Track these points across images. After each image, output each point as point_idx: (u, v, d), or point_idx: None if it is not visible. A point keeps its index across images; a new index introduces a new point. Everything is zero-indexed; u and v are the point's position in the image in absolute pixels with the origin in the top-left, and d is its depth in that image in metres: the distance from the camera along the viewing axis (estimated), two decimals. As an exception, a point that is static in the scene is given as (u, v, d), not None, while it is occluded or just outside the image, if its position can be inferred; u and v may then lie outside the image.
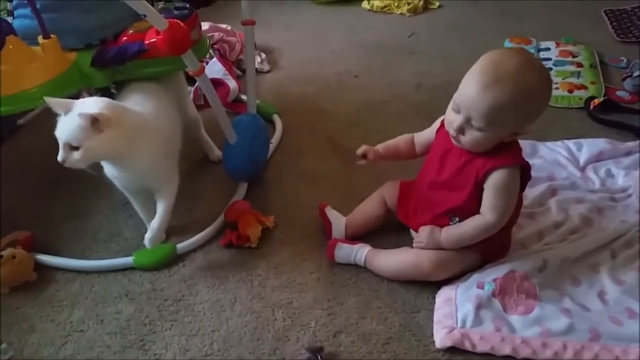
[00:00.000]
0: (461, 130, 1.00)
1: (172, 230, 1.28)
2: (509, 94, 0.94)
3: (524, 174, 1.04)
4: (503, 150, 1.02)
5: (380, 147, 1.22)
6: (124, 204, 1.37)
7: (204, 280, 1.17)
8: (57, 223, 1.32)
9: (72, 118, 1.03)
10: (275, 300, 1.12)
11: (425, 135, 1.18)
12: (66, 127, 1.04)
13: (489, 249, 1.11)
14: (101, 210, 1.36)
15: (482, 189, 1.04)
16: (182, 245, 1.23)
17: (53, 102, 1.05)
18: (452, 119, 1.02)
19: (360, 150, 1.21)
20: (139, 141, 1.11)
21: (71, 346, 1.05)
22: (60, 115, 1.05)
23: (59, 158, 1.05)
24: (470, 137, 1.00)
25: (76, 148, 1.04)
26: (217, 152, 1.49)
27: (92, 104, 1.06)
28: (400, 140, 1.22)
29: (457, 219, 1.08)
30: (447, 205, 1.08)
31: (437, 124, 1.14)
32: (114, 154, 1.10)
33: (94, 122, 1.02)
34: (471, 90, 0.96)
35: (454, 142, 1.04)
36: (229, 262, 1.21)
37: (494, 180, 1.02)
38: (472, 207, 1.06)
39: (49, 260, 1.21)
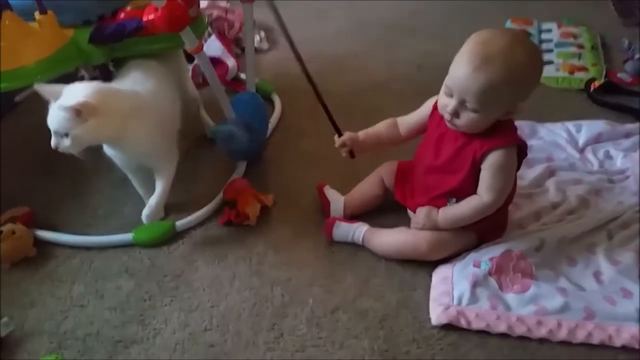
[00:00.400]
0: (456, 114, 1.00)
1: (171, 208, 1.29)
2: (500, 73, 0.94)
3: (521, 152, 1.05)
4: (499, 131, 1.02)
5: (360, 133, 1.21)
6: (123, 179, 1.37)
7: (203, 257, 1.18)
8: (57, 200, 1.33)
9: (57, 108, 1.03)
10: (274, 277, 1.13)
11: (413, 118, 1.17)
12: (53, 117, 1.05)
13: (485, 229, 1.12)
14: (101, 187, 1.36)
15: (479, 170, 1.04)
16: (181, 223, 1.23)
17: (43, 89, 1.05)
18: (445, 102, 1.01)
19: (338, 142, 1.20)
20: (133, 122, 1.11)
21: (71, 321, 1.06)
22: (51, 102, 1.05)
23: (52, 144, 1.07)
24: (465, 119, 1.00)
25: (66, 135, 1.04)
26: None
27: (78, 92, 1.05)
28: (382, 126, 1.21)
29: (454, 199, 1.09)
30: (445, 188, 1.09)
31: (426, 106, 1.14)
32: (104, 138, 1.11)
33: (77, 112, 1.02)
34: (462, 72, 0.96)
35: (449, 125, 1.03)
36: (227, 240, 1.22)
37: (492, 161, 1.02)
38: (469, 188, 1.06)
39: (48, 236, 1.21)
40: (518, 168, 1.07)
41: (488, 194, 1.04)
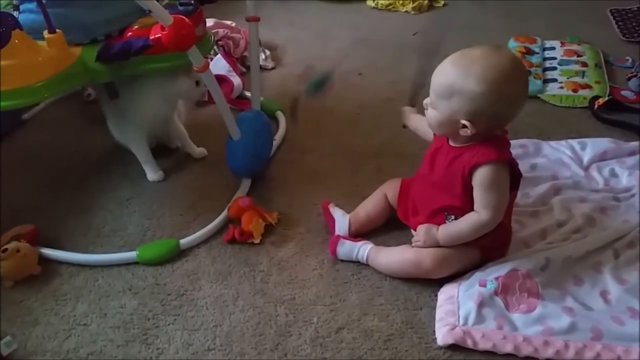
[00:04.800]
0: (426, 106, 1.07)
1: (176, 226, 1.29)
2: (454, 76, 0.98)
3: (513, 170, 1.05)
4: (487, 147, 1.02)
5: (412, 116, 1.27)
6: (127, 199, 1.38)
7: (207, 275, 1.17)
8: (62, 217, 1.33)
9: None
10: (278, 296, 1.12)
11: None
12: None
13: (488, 246, 1.11)
14: (105, 205, 1.36)
15: (472, 188, 1.04)
16: (185, 241, 1.23)
17: None
18: None
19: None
20: None
21: (74, 339, 1.06)
22: None
23: None
24: (427, 114, 1.06)
25: None
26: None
27: None
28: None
29: (452, 217, 1.09)
30: (440, 203, 1.09)
31: None
32: None
33: None
34: (436, 68, 1.03)
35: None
36: (232, 258, 1.21)
37: (480, 178, 1.02)
38: (466, 206, 1.06)
39: (53, 254, 1.21)
40: (516, 187, 1.08)
41: (485, 211, 1.04)
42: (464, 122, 1.00)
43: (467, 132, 1.01)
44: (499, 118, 1.02)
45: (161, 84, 1.34)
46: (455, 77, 0.99)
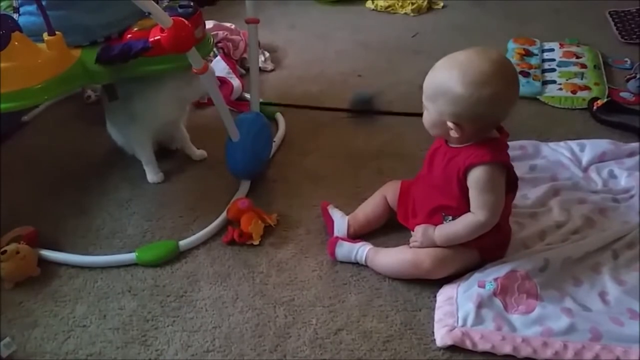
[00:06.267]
0: (423, 108, 1.07)
1: (175, 227, 1.29)
2: (438, 78, 1.01)
3: (509, 174, 1.05)
4: (483, 149, 1.03)
5: None
6: (127, 200, 1.38)
7: (206, 276, 1.17)
8: (61, 219, 1.33)
9: None
10: (277, 297, 1.12)
11: None
12: None
13: (486, 246, 1.11)
14: (105, 207, 1.37)
15: (467, 188, 1.04)
16: (184, 242, 1.23)
17: None
18: None
19: None
20: None
21: (74, 341, 1.06)
22: None
23: None
24: (423, 115, 1.07)
25: None
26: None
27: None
28: None
29: (450, 217, 1.09)
30: (439, 202, 1.10)
31: None
32: None
33: None
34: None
35: None
36: (231, 259, 1.21)
37: (475, 179, 1.03)
38: (462, 206, 1.07)
39: (52, 256, 1.21)
40: (513, 190, 1.08)
41: (481, 212, 1.04)
42: (449, 123, 1.01)
43: (454, 133, 1.01)
44: (485, 120, 1.02)
45: (178, 87, 1.33)
46: (439, 79, 1.01)
